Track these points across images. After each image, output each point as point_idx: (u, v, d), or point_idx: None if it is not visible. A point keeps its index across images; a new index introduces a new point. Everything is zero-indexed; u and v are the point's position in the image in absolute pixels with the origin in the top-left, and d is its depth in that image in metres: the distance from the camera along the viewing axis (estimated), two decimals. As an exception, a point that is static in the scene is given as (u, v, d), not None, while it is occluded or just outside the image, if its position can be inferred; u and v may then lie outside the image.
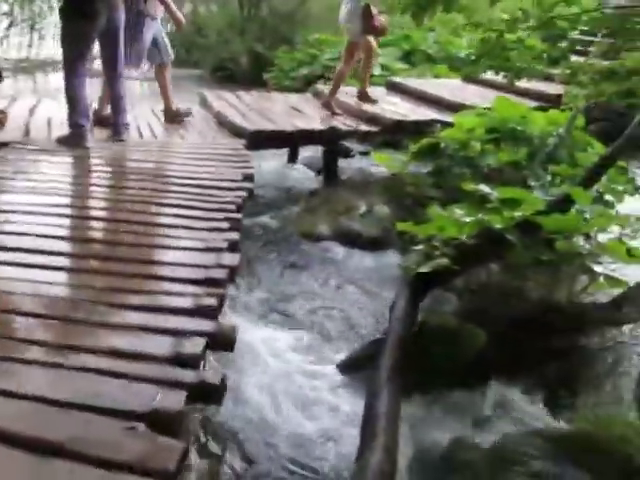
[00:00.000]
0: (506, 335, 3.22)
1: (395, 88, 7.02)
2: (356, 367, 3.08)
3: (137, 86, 9.17)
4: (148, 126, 5.29)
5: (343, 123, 5.56)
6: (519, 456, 2.70)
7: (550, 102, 5.76)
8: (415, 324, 3.22)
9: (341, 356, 3.19)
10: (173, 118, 5.44)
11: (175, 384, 1.76)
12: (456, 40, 9.40)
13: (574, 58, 4.51)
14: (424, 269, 3.23)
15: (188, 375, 1.81)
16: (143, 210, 3.28)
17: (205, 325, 2.08)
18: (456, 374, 3.02)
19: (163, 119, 5.49)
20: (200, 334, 2.00)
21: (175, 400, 1.69)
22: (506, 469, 2.64)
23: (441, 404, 2.89)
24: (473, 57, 7.35)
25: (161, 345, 1.94)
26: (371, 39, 5.92)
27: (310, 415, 2.79)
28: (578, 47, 4.71)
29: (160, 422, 1.61)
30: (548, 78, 5.96)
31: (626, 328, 3.63)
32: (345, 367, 3.10)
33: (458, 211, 3.37)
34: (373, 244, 4.60)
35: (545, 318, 3.41)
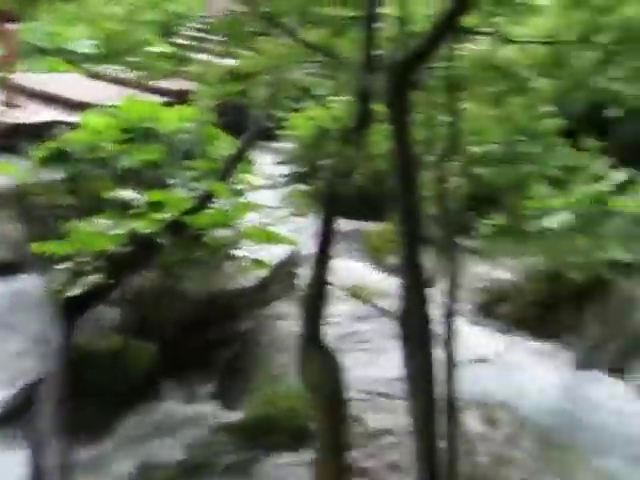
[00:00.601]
0: (170, 341, 3.16)
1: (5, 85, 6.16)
2: (13, 419, 2.62)
3: None
4: None
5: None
6: (209, 456, 2.71)
7: (177, 98, 5.84)
8: (74, 352, 2.90)
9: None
10: None
11: None
12: (69, 31, 8.76)
13: (204, 57, 4.65)
14: (75, 290, 2.92)
15: None
16: None
17: None
18: (128, 396, 2.85)
19: None
20: None
21: None
22: (200, 473, 2.62)
23: (119, 432, 2.68)
24: (100, 53, 7.00)
25: None
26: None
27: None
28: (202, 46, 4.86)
29: None
30: (181, 75, 6.07)
31: (274, 305, 3.97)
32: (-1, 422, 2.61)
33: (103, 222, 3.13)
34: (6, 269, 3.96)
35: (200, 314, 3.46)
